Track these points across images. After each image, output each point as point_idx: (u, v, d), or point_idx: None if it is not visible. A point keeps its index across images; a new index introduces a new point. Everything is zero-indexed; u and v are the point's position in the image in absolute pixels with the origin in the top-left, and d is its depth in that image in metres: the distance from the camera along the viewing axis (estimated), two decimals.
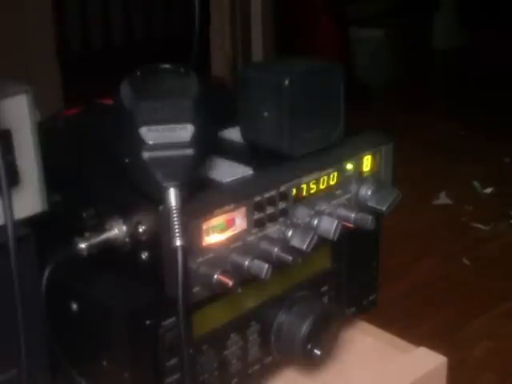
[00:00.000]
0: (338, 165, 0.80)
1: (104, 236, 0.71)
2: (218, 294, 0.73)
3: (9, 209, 0.61)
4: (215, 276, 0.70)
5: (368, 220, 0.80)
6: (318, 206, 0.79)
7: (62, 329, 0.73)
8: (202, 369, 0.75)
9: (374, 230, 0.82)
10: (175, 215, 0.65)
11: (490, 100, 3.59)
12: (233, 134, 0.83)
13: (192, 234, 0.68)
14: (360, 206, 0.82)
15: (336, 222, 0.77)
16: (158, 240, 0.68)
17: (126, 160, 0.69)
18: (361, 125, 0.84)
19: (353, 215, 0.80)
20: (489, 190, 2.78)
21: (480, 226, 2.54)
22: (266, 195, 0.74)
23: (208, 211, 0.69)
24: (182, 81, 0.72)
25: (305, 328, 0.79)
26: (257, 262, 0.72)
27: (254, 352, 0.79)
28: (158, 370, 0.71)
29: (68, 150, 0.82)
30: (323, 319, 0.81)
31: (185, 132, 0.67)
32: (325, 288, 0.85)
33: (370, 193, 0.83)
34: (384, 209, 0.82)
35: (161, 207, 0.67)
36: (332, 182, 0.80)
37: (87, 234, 0.71)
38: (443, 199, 2.72)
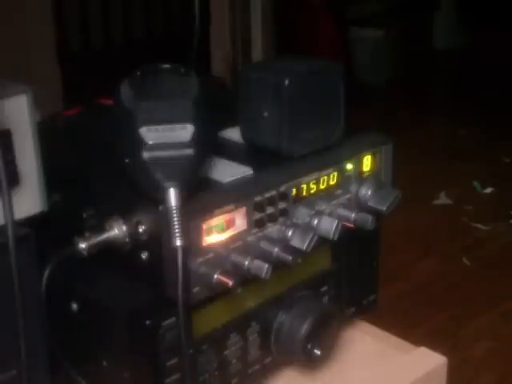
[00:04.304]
0: (338, 165, 0.81)
1: (104, 236, 0.71)
2: (218, 294, 0.73)
3: (9, 209, 0.61)
4: (215, 276, 0.70)
5: (368, 220, 0.80)
6: (318, 206, 0.79)
7: (62, 329, 0.73)
8: (202, 369, 0.75)
9: (374, 230, 0.82)
10: (175, 215, 0.65)
11: (490, 100, 3.59)
12: (233, 133, 0.83)
13: (192, 234, 0.68)
14: (360, 206, 0.82)
15: (336, 222, 0.77)
16: (158, 240, 0.68)
17: (126, 160, 0.69)
18: (361, 125, 0.84)
19: (353, 215, 0.80)
20: (489, 190, 2.78)
21: (480, 226, 2.54)
22: (266, 195, 0.74)
23: (208, 211, 0.69)
24: (182, 81, 0.72)
25: (305, 328, 0.79)
26: (257, 262, 0.72)
27: (254, 352, 0.79)
28: (158, 370, 0.71)
29: (68, 149, 0.82)
30: (323, 319, 0.81)
31: (185, 132, 0.67)
32: (325, 288, 0.85)
33: (369, 193, 0.83)
34: (384, 209, 0.82)
35: (161, 207, 0.67)
36: (332, 182, 0.80)
37: (87, 234, 0.71)
38: (443, 199, 2.72)
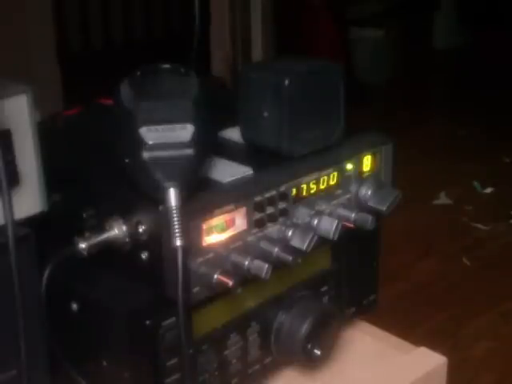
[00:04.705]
0: (338, 165, 0.80)
1: (104, 236, 0.71)
2: (218, 293, 0.73)
3: (9, 209, 0.61)
4: (215, 276, 0.70)
5: (368, 220, 0.80)
6: (318, 206, 0.79)
7: (62, 329, 0.73)
8: (202, 369, 0.75)
9: (374, 230, 0.82)
10: (175, 215, 0.65)
11: (490, 100, 3.59)
12: (233, 133, 0.83)
13: (192, 234, 0.68)
14: (360, 206, 0.82)
15: (336, 222, 0.77)
16: (158, 240, 0.68)
17: (126, 160, 0.69)
18: (361, 125, 0.84)
19: (353, 215, 0.80)
20: (489, 190, 2.78)
21: (480, 226, 2.54)
22: (266, 195, 0.74)
23: (208, 211, 0.69)
24: (182, 81, 0.72)
25: (305, 328, 0.79)
26: (257, 262, 0.72)
27: (254, 352, 0.79)
28: (158, 370, 0.71)
29: (68, 150, 0.82)
30: (323, 319, 0.81)
31: (185, 132, 0.67)
32: (325, 288, 0.85)
33: (369, 193, 0.83)
34: (384, 209, 0.82)
35: (161, 207, 0.67)
36: (332, 182, 0.80)
37: (87, 234, 0.71)
38: (443, 199, 2.72)
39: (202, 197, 0.70)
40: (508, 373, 1.85)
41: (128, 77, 0.71)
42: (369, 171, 0.84)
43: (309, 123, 0.78)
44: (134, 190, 0.69)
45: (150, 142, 0.67)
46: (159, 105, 0.68)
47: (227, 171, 0.75)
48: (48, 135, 0.70)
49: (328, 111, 0.80)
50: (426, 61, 4.14)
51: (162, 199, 0.66)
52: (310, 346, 0.80)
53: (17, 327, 0.63)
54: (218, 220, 0.70)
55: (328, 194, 0.80)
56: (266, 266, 0.71)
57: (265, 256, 0.73)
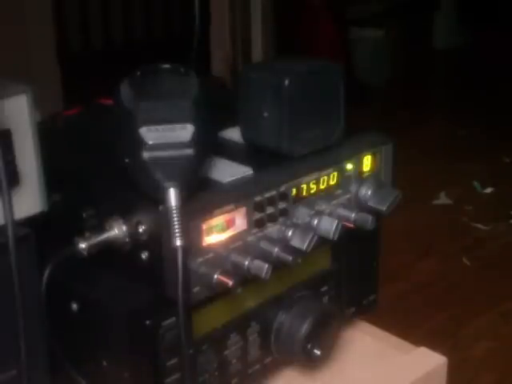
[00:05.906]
0: (338, 165, 0.80)
1: (104, 236, 0.71)
2: (218, 294, 0.73)
3: (9, 209, 0.61)
4: (215, 276, 0.70)
5: (368, 220, 0.80)
6: (318, 206, 0.79)
7: (62, 329, 0.73)
8: (202, 369, 0.75)
9: (374, 230, 0.82)
10: (175, 215, 0.65)
11: (490, 100, 3.59)
12: (233, 133, 0.83)
13: (192, 234, 0.68)
14: (360, 206, 0.82)
15: (336, 222, 0.77)
16: (158, 240, 0.68)
17: (126, 160, 0.69)
18: (361, 125, 0.84)
19: (353, 215, 0.80)
20: (489, 190, 2.78)
21: (480, 226, 2.54)
22: (266, 195, 0.74)
23: (208, 211, 0.69)
24: (182, 81, 0.72)
25: (305, 328, 0.79)
26: (257, 262, 0.72)
27: (254, 352, 0.79)
28: (158, 370, 0.71)
29: (68, 150, 0.82)
30: (323, 319, 0.81)
31: (185, 132, 0.67)
32: (325, 288, 0.85)
33: (369, 193, 0.83)
34: (384, 209, 0.82)
35: (161, 207, 0.67)
36: (332, 182, 0.80)
37: (87, 234, 0.71)
38: (443, 199, 2.72)
39: (202, 197, 0.70)
40: (508, 373, 1.85)
41: (128, 77, 0.71)
42: (369, 171, 0.84)
43: (309, 123, 0.78)
44: (134, 190, 0.69)
45: (150, 142, 0.67)
46: (159, 105, 0.68)
47: (227, 171, 0.75)
48: (48, 135, 0.70)
49: (328, 111, 0.80)
50: (426, 61, 4.14)
51: (162, 199, 0.66)
52: (310, 346, 0.80)
53: (17, 327, 0.63)
54: (217, 220, 0.70)
55: (328, 194, 0.80)
56: (266, 266, 0.71)
57: (265, 256, 0.73)
